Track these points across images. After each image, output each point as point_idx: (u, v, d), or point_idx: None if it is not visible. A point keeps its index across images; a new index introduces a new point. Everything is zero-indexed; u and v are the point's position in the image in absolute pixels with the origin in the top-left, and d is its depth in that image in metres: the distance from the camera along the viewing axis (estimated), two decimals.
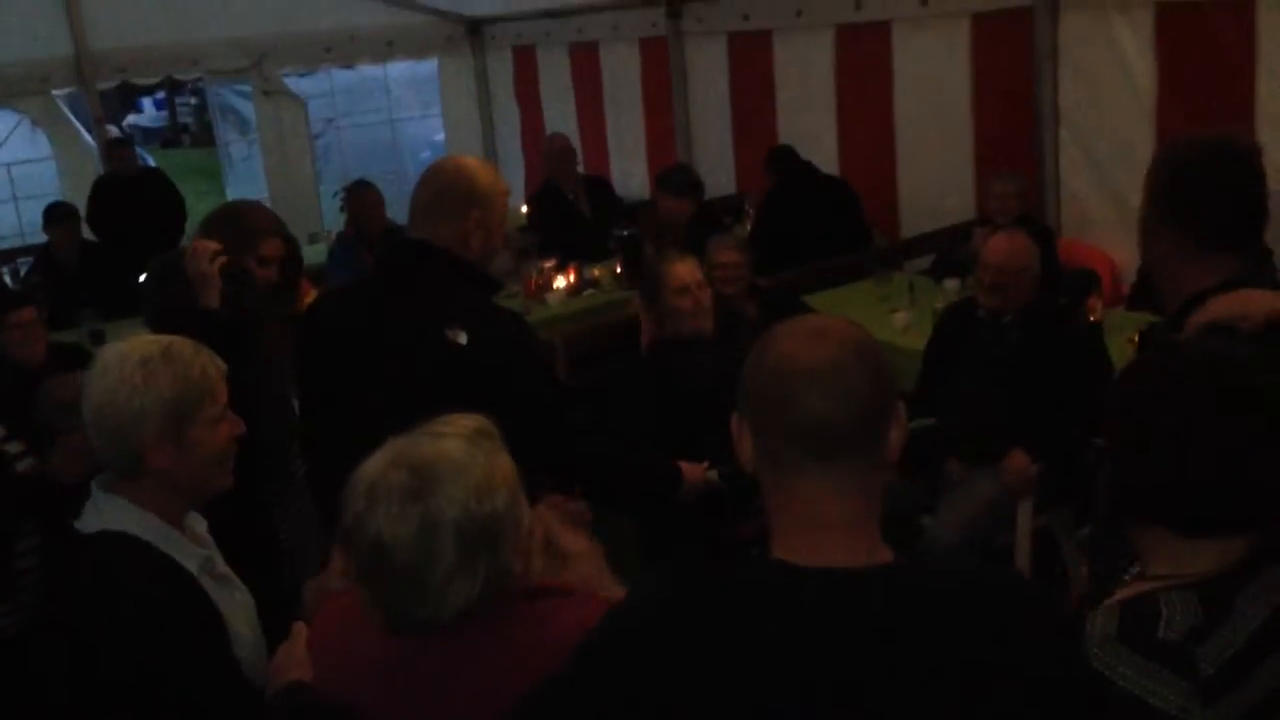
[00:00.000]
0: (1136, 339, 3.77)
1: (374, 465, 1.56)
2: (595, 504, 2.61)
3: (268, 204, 9.28)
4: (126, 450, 1.89)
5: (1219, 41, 4.99)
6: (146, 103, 25.40)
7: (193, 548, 2.00)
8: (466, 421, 1.62)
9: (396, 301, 2.55)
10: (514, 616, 1.57)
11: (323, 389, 2.67)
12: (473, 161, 2.68)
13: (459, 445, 1.56)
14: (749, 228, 6.77)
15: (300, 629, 1.67)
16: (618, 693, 1.30)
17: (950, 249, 5.78)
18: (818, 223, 6.25)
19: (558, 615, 1.55)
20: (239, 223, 3.13)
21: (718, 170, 7.95)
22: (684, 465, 2.92)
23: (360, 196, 6.53)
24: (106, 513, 1.91)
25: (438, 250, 2.53)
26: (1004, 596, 1.32)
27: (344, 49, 9.28)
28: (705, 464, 2.99)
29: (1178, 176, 2.05)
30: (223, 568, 2.07)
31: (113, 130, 9.34)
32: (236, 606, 2.03)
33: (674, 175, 6.21)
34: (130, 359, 1.89)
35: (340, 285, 2.82)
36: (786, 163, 6.49)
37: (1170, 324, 2.00)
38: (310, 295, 3.84)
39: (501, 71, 9.91)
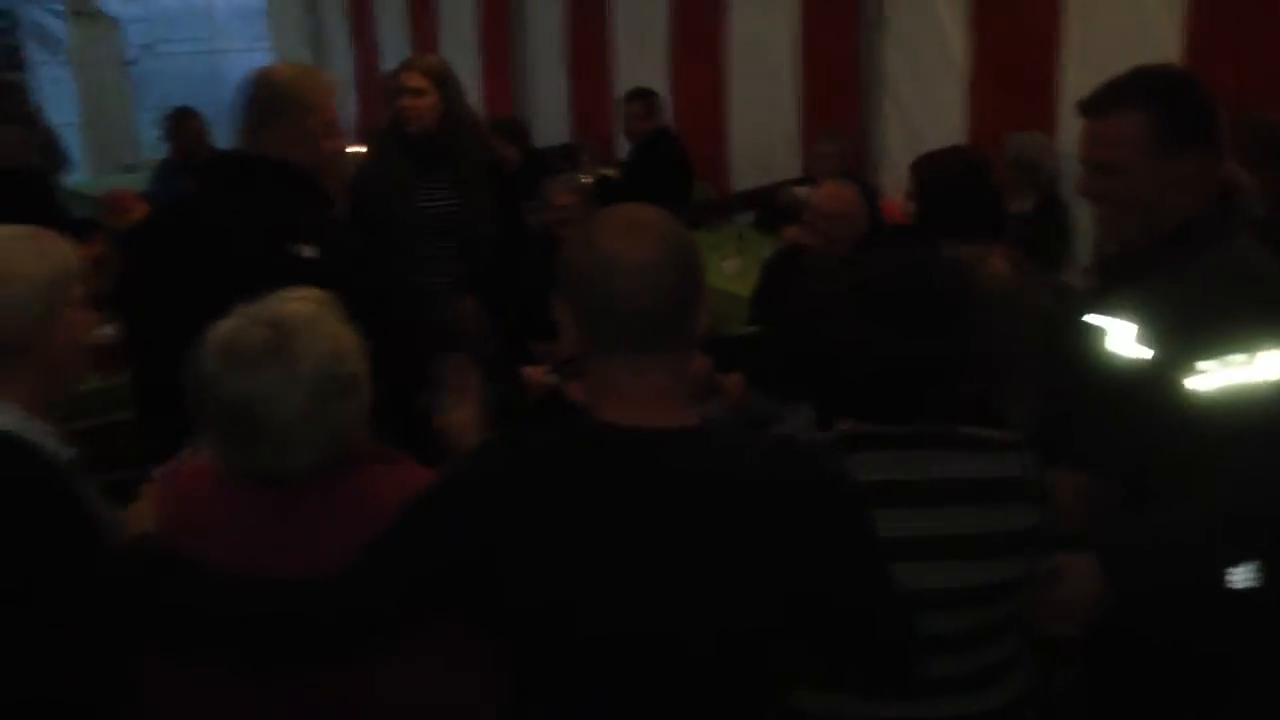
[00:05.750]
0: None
1: (227, 327, 1.62)
2: None
3: (78, 130, 8.92)
4: (14, 327, 1.82)
5: (1028, 16, 5.34)
6: None
7: (61, 443, 1.92)
8: (310, 293, 1.70)
9: (237, 215, 2.50)
10: (360, 474, 1.67)
11: (159, 300, 2.60)
12: (285, 68, 2.62)
13: (312, 308, 1.66)
14: (585, 177, 6.86)
15: (150, 489, 1.69)
16: (451, 536, 1.47)
17: (773, 200, 6.00)
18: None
19: (387, 478, 1.66)
20: None
21: (554, 118, 8.00)
22: (526, 370, 3.04)
23: (183, 123, 6.39)
24: None
25: (268, 162, 2.48)
26: (784, 449, 1.58)
27: None
28: (546, 367, 3.16)
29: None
30: None
31: None
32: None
33: (500, 123, 6.25)
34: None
35: (172, 201, 2.69)
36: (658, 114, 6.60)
37: (1155, 255, 2.01)
38: (139, 211, 3.76)
39: (334, 7, 9.68)
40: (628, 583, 1.43)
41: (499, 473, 1.49)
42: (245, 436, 1.59)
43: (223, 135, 7.03)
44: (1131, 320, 1.98)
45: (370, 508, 1.57)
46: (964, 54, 5.66)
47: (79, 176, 8.73)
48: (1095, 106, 2.06)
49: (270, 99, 2.52)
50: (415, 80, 4.08)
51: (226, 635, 1.53)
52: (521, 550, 1.44)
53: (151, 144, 8.66)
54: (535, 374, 3.19)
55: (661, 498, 1.44)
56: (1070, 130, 4.76)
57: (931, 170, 3.12)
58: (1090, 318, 2.11)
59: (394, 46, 9.10)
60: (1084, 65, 5.09)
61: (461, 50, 8.60)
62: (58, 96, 9.16)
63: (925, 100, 5.89)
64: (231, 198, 2.53)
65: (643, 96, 6.55)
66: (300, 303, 1.66)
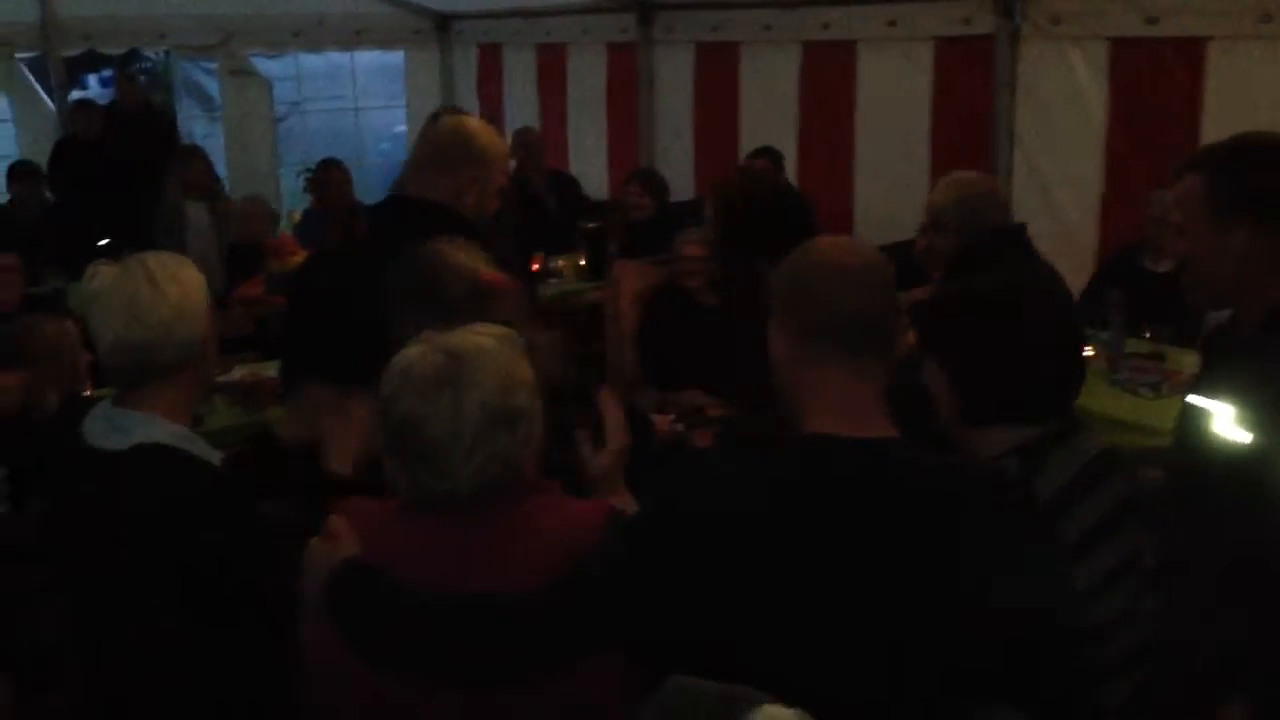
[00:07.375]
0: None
1: (411, 351, 1.69)
2: None
3: (226, 183, 9.34)
4: (192, 341, 2.00)
5: (1169, 76, 5.27)
6: (92, 79, 24.93)
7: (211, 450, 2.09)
8: (495, 327, 1.77)
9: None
10: (524, 503, 1.71)
11: (320, 336, 2.71)
12: (473, 121, 2.76)
13: (491, 342, 1.71)
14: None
15: (338, 519, 1.75)
16: (683, 556, 1.50)
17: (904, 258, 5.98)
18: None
19: (561, 510, 1.71)
20: None
21: (679, 176, 8.11)
22: (656, 417, 3.09)
23: (328, 174, 6.67)
24: (146, 428, 1.98)
25: (434, 206, 2.59)
26: (971, 467, 1.66)
27: (312, 34, 9.30)
28: (671, 416, 3.21)
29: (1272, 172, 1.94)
30: None
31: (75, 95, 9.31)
32: None
33: (645, 173, 6.65)
34: (160, 259, 2.02)
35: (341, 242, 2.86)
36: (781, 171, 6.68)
37: (1254, 341, 1.95)
38: (299, 255, 3.93)
39: (466, 67, 9.99)
40: (839, 600, 1.46)
41: (712, 496, 1.54)
42: (413, 457, 1.66)
43: (361, 186, 7.33)
44: (1231, 403, 1.88)
45: (535, 537, 1.62)
46: (1102, 112, 5.60)
47: None
48: (1178, 167, 2.05)
49: (459, 146, 2.64)
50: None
51: (427, 652, 1.59)
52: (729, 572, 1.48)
53: (292, 197, 9.04)
54: (663, 422, 3.25)
55: (873, 507, 1.47)
56: None
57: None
58: (1194, 399, 2.01)
59: (522, 106, 9.35)
60: (1226, 125, 4.97)
61: (589, 108, 8.80)
62: (208, 150, 9.61)
63: (1059, 159, 5.83)
64: (392, 240, 2.63)
65: (766, 154, 6.61)
66: (482, 335, 1.72)
